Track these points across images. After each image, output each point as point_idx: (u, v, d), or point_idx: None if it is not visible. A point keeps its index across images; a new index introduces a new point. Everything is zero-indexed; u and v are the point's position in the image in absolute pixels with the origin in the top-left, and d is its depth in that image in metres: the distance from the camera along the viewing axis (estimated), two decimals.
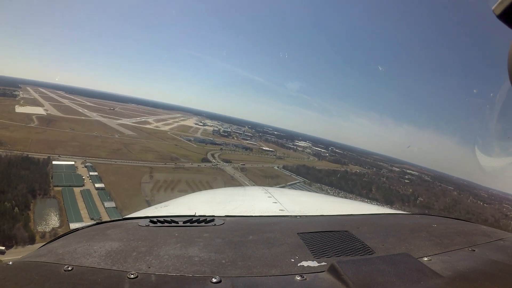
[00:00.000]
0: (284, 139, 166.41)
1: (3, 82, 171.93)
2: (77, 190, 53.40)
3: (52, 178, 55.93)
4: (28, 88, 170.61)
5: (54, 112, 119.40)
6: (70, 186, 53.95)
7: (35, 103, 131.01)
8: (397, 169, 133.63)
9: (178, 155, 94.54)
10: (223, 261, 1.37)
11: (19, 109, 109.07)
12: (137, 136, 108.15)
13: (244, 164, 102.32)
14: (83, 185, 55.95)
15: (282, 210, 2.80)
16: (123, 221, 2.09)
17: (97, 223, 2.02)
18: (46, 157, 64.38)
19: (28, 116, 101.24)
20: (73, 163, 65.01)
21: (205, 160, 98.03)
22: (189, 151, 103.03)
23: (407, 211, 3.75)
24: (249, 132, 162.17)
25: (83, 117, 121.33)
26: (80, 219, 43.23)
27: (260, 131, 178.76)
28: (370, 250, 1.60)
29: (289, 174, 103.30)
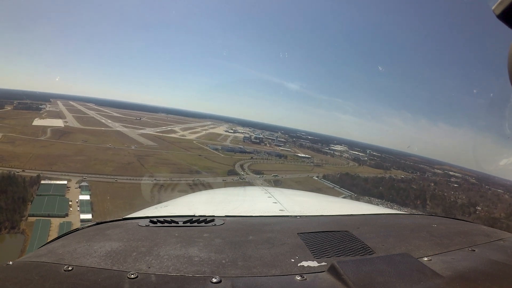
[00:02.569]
0: (319, 143, 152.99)
1: (34, 97, 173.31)
2: (56, 221, 40.42)
3: (31, 203, 43.79)
4: (58, 102, 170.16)
5: (73, 123, 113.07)
6: (48, 216, 41.30)
7: (58, 115, 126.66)
8: (439, 172, 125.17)
9: (200, 167, 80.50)
10: (223, 261, 1.36)
11: (37, 122, 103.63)
12: (156, 146, 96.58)
13: (277, 175, 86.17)
14: (66, 215, 43.03)
15: (282, 210, 2.74)
16: (123, 221, 2.06)
17: (97, 223, 1.99)
18: (36, 175, 53.07)
19: (43, 129, 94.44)
20: (65, 182, 52.94)
21: (232, 172, 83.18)
22: (214, 162, 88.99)
23: (407, 211, 3.44)
24: (282, 138, 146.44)
25: (103, 128, 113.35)
26: None
27: (293, 136, 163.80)
28: (370, 250, 1.58)
29: (332, 186, 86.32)
